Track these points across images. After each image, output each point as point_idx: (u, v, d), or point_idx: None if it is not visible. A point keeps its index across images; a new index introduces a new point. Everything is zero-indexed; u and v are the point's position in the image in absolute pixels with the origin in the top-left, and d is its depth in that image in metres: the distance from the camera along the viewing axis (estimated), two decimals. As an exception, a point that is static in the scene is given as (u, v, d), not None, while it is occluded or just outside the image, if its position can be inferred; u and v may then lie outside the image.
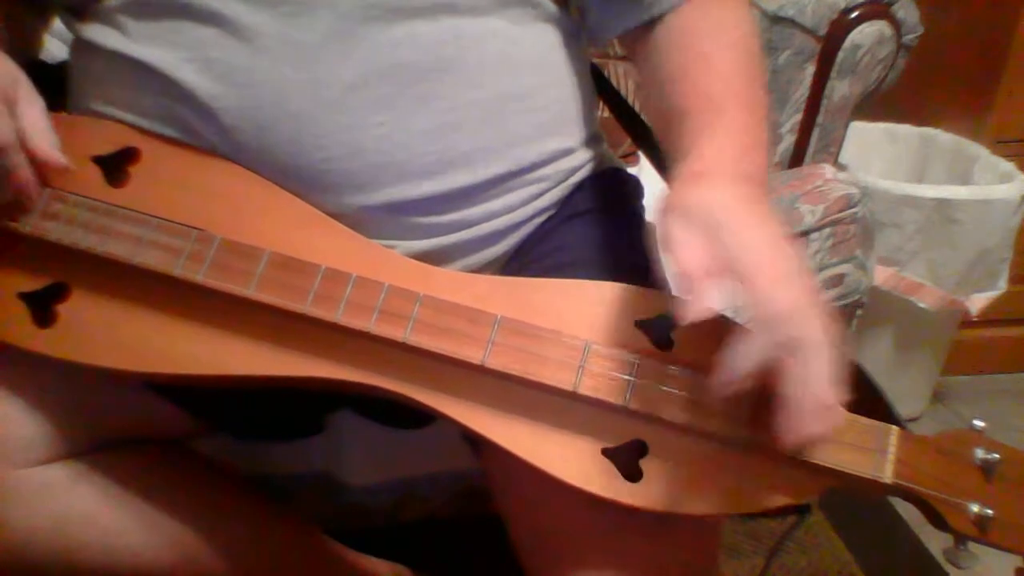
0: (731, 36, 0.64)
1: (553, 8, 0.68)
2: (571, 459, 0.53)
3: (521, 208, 0.67)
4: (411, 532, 1.08)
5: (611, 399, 0.53)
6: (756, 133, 0.59)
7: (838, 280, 1.14)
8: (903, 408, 1.60)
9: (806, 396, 0.46)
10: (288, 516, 0.84)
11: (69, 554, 0.63)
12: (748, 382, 0.47)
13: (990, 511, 0.49)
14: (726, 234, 0.49)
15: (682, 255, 0.50)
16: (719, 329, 0.56)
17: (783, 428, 0.47)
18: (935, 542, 1.25)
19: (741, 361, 0.47)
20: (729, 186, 0.53)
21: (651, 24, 0.66)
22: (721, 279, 0.49)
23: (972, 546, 0.51)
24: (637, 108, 0.86)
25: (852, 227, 1.13)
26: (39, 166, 0.58)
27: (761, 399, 0.50)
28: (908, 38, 1.18)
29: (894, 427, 0.52)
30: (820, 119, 1.21)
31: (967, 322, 1.54)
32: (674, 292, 0.50)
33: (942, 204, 1.37)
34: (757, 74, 0.63)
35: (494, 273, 0.68)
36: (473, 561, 1.07)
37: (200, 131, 0.61)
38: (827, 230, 1.12)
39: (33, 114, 0.58)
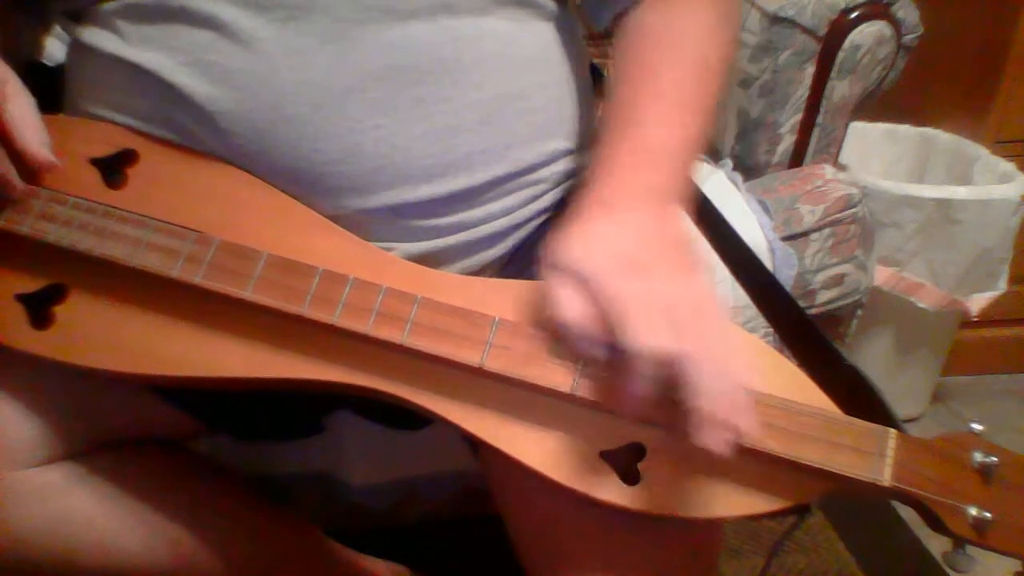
0: (686, 50, 0.63)
1: (552, 6, 0.68)
2: (569, 462, 0.53)
3: (520, 210, 0.67)
4: (411, 532, 1.09)
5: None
6: (669, 146, 0.59)
7: (838, 280, 1.14)
8: (903, 408, 1.60)
9: (702, 409, 0.47)
10: (288, 516, 0.84)
11: (68, 555, 0.63)
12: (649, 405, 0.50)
13: (988, 514, 0.49)
14: (595, 287, 0.51)
15: (562, 310, 0.52)
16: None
17: (693, 436, 0.48)
18: (935, 543, 1.25)
19: (632, 399, 0.49)
20: (609, 220, 0.55)
21: (623, 16, 0.66)
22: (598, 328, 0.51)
23: (971, 549, 0.51)
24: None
25: (852, 227, 1.13)
26: (27, 163, 0.58)
27: None
28: (908, 38, 1.18)
29: (892, 430, 0.52)
30: (820, 119, 1.22)
31: (967, 322, 1.54)
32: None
33: (942, 204, 1.37)
34: (703, 88, 0.63)
35: (493, 275, 0.68)
36: (473, 561, 1.07)
37: (197, 134, 0.61)
38: (827, 230, 1.12)
39: (21, 110, 0.57)
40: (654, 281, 0.51)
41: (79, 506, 0.63)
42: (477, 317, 0.55)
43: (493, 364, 0.54)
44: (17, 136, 0.57)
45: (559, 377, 0.53)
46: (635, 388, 0.49)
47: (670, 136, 0.59)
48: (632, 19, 0.66)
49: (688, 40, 0.64)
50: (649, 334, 0.48)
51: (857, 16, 1.14)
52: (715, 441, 0.47)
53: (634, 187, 0.57)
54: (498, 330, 0.55)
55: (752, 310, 0.94)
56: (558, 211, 0.71)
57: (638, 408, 0.50)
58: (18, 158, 0.58)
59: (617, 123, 0.61)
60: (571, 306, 0.51)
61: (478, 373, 0.54)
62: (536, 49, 0.66)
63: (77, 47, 0.66)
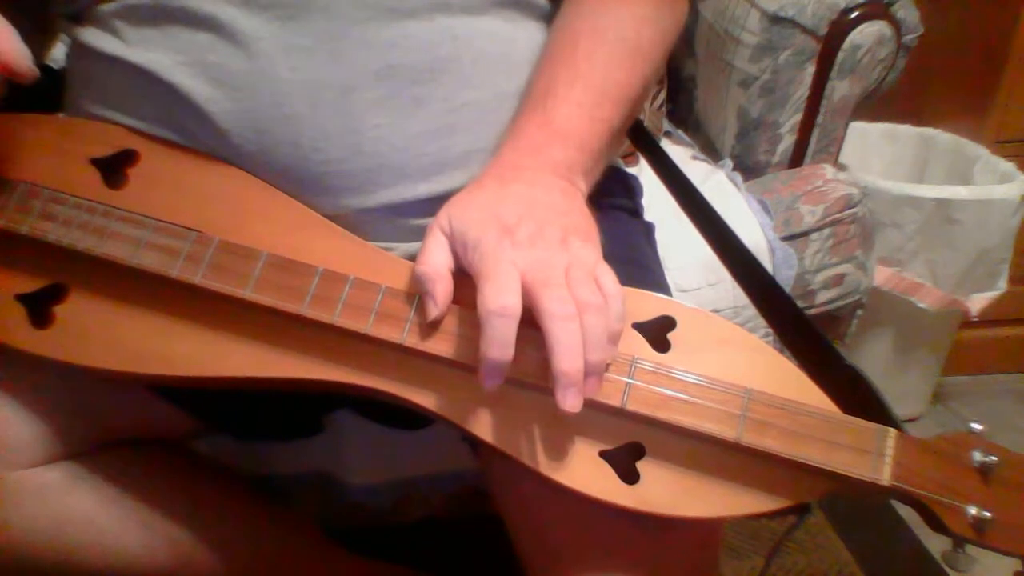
0: (617, 32, 0.63)
1: (547, 6, 0.68)
2: (568, 462, 0.53)
3: (519, 210, 0.67)
4: (411, 532, 1.09)
5: (608, 401, 0.53)
6: (578, 124, 0.60)
7: (838, 280, 1.14)
8: (903, 408, 1.60)
9: (556, 368, 0.48)
10: (287, 516, 0.84)
11: (68, 555, 0.63)
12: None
13: (988, 514, 0.49)
14: (471, 250, 0.52)
15: (423, 260, 0.54)
16: (716, 331, 0.56)
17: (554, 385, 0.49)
18: (935, 542, 1.25)
19: (487, 362, 0.49)
20: (502, 188, 0.56)
21: None
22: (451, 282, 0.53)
23: (970, 549, 0.51)
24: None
25: (852, 227, 1.13)
26: (8, 72, 0.55)
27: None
28: (908, 38, 1.18)
29: (892, 429, 0.52)
30: (820, 119, 1.21)
31: (967, 322, 1.53)
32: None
33: (942, 204, 1.37)
34: (629, 70, 0.63)
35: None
36: (473, 561, 1.07)
37: (197, 134, 0.61)
38: (827, 230, 1.12)
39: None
40: (528, 248, 0.51)
41: (79, 506, 0.63)
42: (476, 317, 0.55)
43: None
44: None
45: None
46: (488, 350, 0.49)
47: (580, 119, 0.60)
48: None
49: (619, 22, 0.64)
50: (502, 295, 0.48)
51: (857, 16, 1.14)
52: (567, 401, 0.48)
53: (536, 161, 0.57)
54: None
55: (752, 310, 0.94)
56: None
57: (497, 370, 0.50)
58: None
59: (533, 98, 0.61)
60: (430, 260, 0.53)
61: (478, 372, 0.54)
62: (532, 48, 0.66)
63: (77, 48, 0.66)
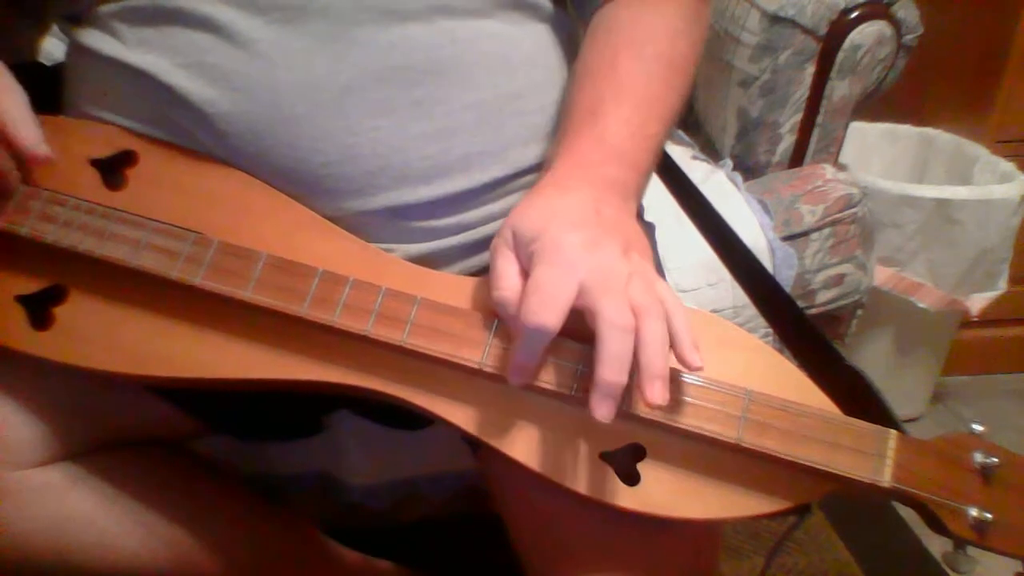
0: (654, 47, 0.63)
1: (549, 8, 0.68)
2: (569, 463, 0.53)
3: (519, 210, 0.67)
4: (411, 532, 1.08)
5: (608, 402, 0.53)
6: (630, 144, 0.59)
7: (838, 280, 1.14)
8: (903, 409, 1.60)
9: (602, 373, 0.48)
10: (288, 516, 0.84)
11: (67, 555, 0.63)
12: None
13: (989, 515, 0.49)
14: (533, 242, 0.52)
15: (500, 284, 0.52)
16: (716, 332, 0.56)
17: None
18: (936, 543, 1.25)
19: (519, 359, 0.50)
20: (563, 195, 0.55)
21: (599, 9, 0.66)
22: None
23: (971, 550, 0.51)
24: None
25: (852, 227, 1.13)
26: (25, 160, 0.58)
27: None
28: (908, 38, 1.18)
29: (892, 431, 0.52)
30: (820, 119, 1.21)
31: (967, 322, 1.54)
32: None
33: (942, 204, 1.37)
34: (668, 85, 0.63)
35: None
36: (473, 561, 1.07)
37: (196, 136, 0.61)
38: (827, 230, 1.12)
39: (15, 107, 0.57)
40: (592, 249, 0.50)
41: (79, 506, 0.63)
42: (477, 317, 0.55)
43: (493, 365, 0.54)
44: (13, 133, 0.57)
45: (559, 378, 0.53)
46: (519, 356, 0.49)
47: (631, 138, 0.59)
48: (604, 11, 0.66)
49: (654, 37, 0.64)
50: (549, 313, 0.48)
51: (857, 16, 1.14)
52: (600, 410, 0.48)
53: (592, 176, 0.57)
54: (498, 330, 0.54)
55: (752, 310, 0.94)
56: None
57: (526, 373, 0.50)
58: (14, 155, 0.58)
59: (579, 114, 0.61)
60: (508, 284, 0.52)
61: (478, 374, 0.54)
62: (533, 51, 0.66)
63: (76, 49, 0.66)
